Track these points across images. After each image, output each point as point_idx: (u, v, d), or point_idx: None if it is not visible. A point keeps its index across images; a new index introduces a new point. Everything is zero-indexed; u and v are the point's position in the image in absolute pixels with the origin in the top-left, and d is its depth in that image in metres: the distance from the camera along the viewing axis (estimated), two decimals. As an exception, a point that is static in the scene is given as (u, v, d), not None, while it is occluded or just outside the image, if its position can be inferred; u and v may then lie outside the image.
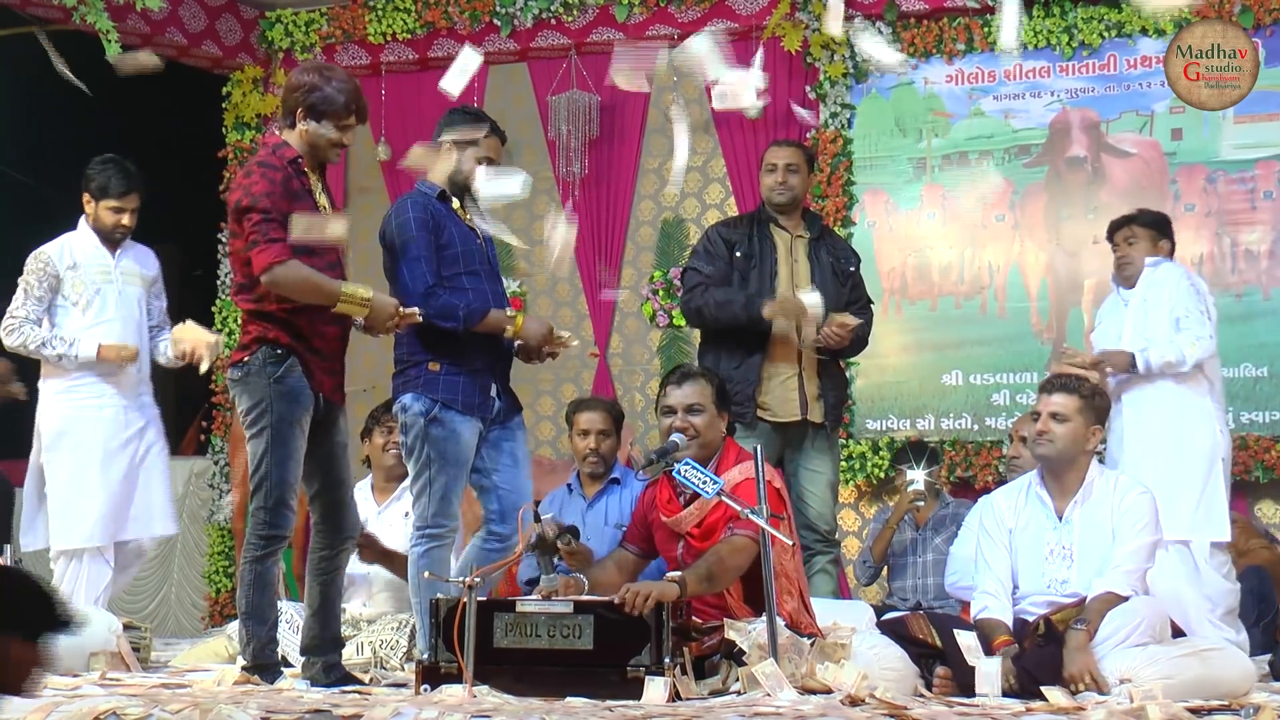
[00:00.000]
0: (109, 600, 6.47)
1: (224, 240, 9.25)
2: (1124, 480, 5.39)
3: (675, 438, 5.20)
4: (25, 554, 6.95)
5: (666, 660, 4.52)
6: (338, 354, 5.32)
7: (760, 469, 4.87)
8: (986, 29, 8.52)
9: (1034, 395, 6.12)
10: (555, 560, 5.04)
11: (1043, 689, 4.66)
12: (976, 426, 8.47)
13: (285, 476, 5.14)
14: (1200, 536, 6.19)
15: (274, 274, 5.01)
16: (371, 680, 5.45)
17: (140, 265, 6.58)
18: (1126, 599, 5.01)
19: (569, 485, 6.65)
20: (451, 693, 4.49)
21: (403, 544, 6.45)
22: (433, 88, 9.15)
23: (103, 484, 6.35)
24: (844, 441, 8.44)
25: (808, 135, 8.71)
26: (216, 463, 9.63)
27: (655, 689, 4.43)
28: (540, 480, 7.47)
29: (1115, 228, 6.62)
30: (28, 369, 6.69)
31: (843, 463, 8.34)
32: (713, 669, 4.81)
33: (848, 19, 8.66)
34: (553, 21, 9.15)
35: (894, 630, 5.12)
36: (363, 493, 6.68)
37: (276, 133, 5.33)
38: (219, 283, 9.75)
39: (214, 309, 9.69)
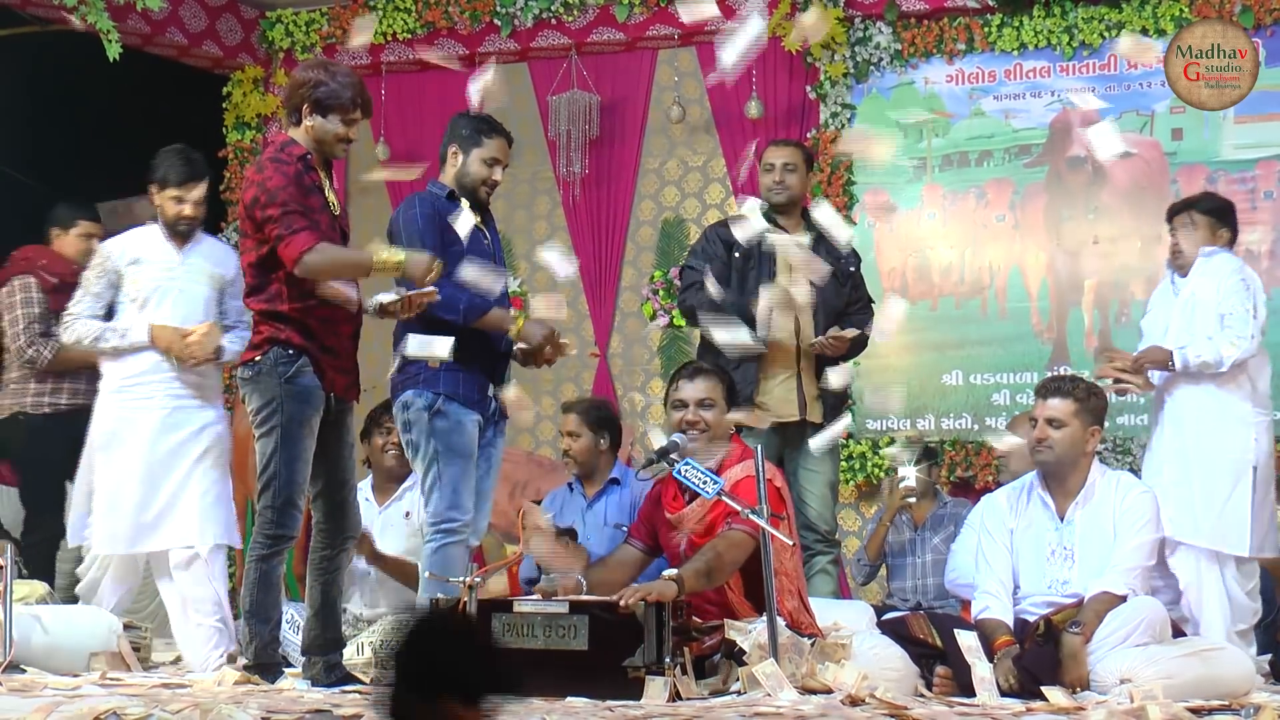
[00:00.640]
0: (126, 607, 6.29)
1: (227, 241, 9.24)
2: (1125, 480, 5.40)
3: (676, 437, 5.21)
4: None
5: (667, 660, 4.52)
6: (350, 352, 5.35)
7: (760, 468, 4.87)
8: (986, 29, 8.52)
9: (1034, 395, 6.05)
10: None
11: (1043, 689, 4.66)
12: (976, 426, 8.46)
13: (294, 477, 5.15)
14: (1218, 547, 5.98)
15: (306, 262, 5.05)
16: (373, 681, 5.45)
17: (212, 263, 6.13)
18: (1123, 598, 5.01)
19: (570, 484, 6.67)
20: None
21: (402, 545, 6.47)
22: (433, 88, 9.22)
23: (142, 490, 5.92)
24: (844, 441, 8.44)
25: (808, 135, 8.71)
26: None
27: (655, 689, 4.43)
28: (541, 480, 7.50)
29: (1174, 212, 6.34)
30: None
31: (843, 463, 8.34)
32: (713, 669, 4.82)
33: (848, 20, 8.67)
34: (553, 21, 9.15)
35: (894, 630, 5.13)
36: (363, 493, 6.68)
37: (282, 131, 5.36)
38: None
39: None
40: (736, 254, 6.49)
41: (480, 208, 5.69)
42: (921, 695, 4.81)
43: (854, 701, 4.37)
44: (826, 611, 5.50)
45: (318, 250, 5.06)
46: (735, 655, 4.78)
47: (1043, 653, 4.87)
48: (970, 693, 4.79)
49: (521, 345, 5.62)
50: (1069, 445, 5.25)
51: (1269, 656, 5.97)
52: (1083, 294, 8.40)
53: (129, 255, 6.02)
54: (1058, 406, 5.26)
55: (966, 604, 5.75)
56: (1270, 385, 6.28)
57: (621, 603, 4.59)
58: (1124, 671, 4.78)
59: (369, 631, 6.32)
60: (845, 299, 6.54)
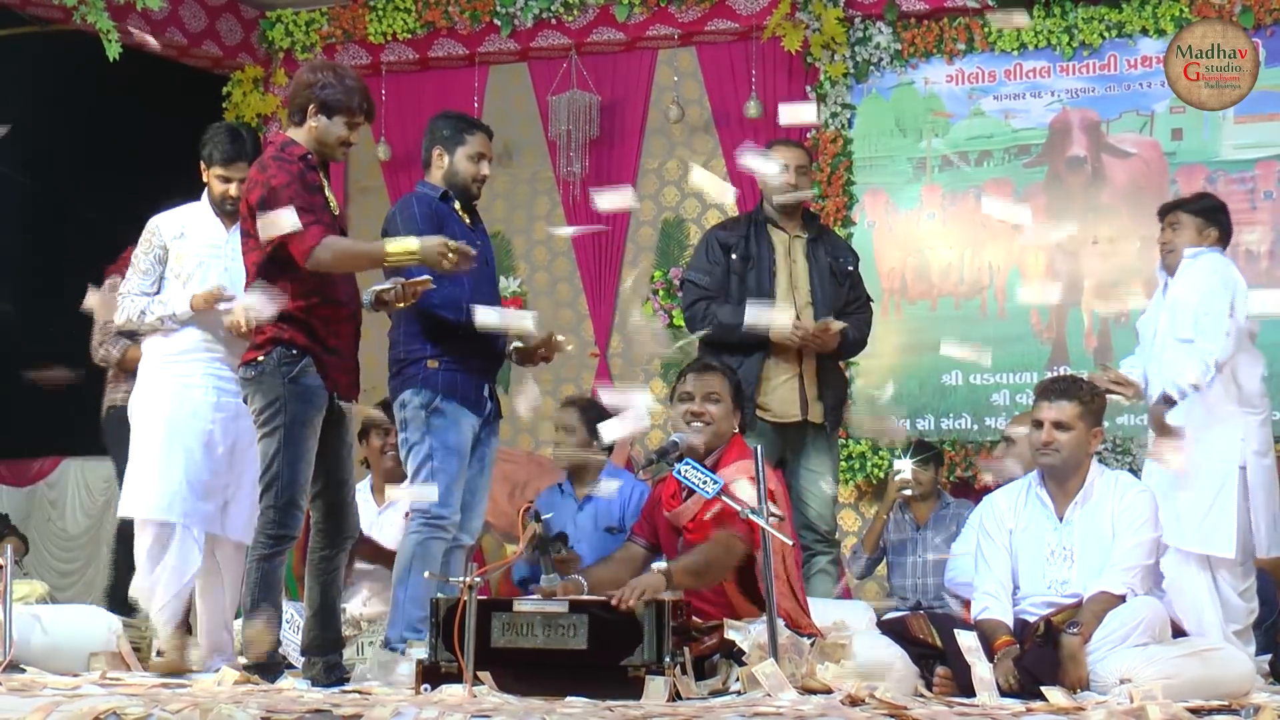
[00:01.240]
0: (224, 601, 5.86)
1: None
2: (1124, 479, 5.39)
3: (675, 437, 5.22)
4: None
5: (666, 660, 4.52)
6: (352, 351, 5.36)
7: (760, 468, 4.87)
8: (986, 29, 8.52)
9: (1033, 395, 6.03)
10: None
11: (1043, 689, 4.66)
12: (976, 426, 8.47)
13: (296, 477, 5.16)
14: (1203, 550, 6.00)
15: (317, 256, 5.06)
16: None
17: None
18: (1122, 597, 5.01)
19: (560, 486, 6.65)
20: (451, 692, 4.49)
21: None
22: (433, 88, 9.22)
23: (182, 458, 5.67)
24: (844, 441, 8.45)
25: (808, 135, 8.71)
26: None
27: (655, 689, 4.43)
28: (541, 480, 7.50)
29: (1164, 212, 6.37)
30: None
31: (842, 463, 8.34)
32: (712, 669, 4.81)
33: (848, 20, 8.67)
34: (553, 21, 9.15)
35: (894, 630, 5.13)
36: (362, 494, 6.68)
37: (282, 131, 5.36)
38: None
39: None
40: (735, 257, 6.48)
41: (470, 209, 5.70)
42: (921, 695, 4.81)
43: (854, 702, 4.36)
44: (827, 611, 5.50)
45: (327, 244, 5.07)
46: (735, 655, 4.78)
47: (1042, 653, 4.87)
48: (970, 693, 4.79)
49: (517, 344, 5.63)
50: (1074, 448, 5.25)
51: (1269, 657, 5.97)
52: (1082, 294, 8.40)
53: (175, 230, 5.85)
54: (1063, 409, 5.25)
55: (967, 604, 5.75)
56: (1263, 384, 6.27)
57: (616, 604, 4.59)
58: (1124, 672, 4.78)
59: (369, 631, 6.32)
60: (843, 298, 6.54)
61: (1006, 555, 5.28)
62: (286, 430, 5.13)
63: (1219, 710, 4.54)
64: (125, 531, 6.30)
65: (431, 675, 4.68)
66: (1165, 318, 6.21)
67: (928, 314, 8.65)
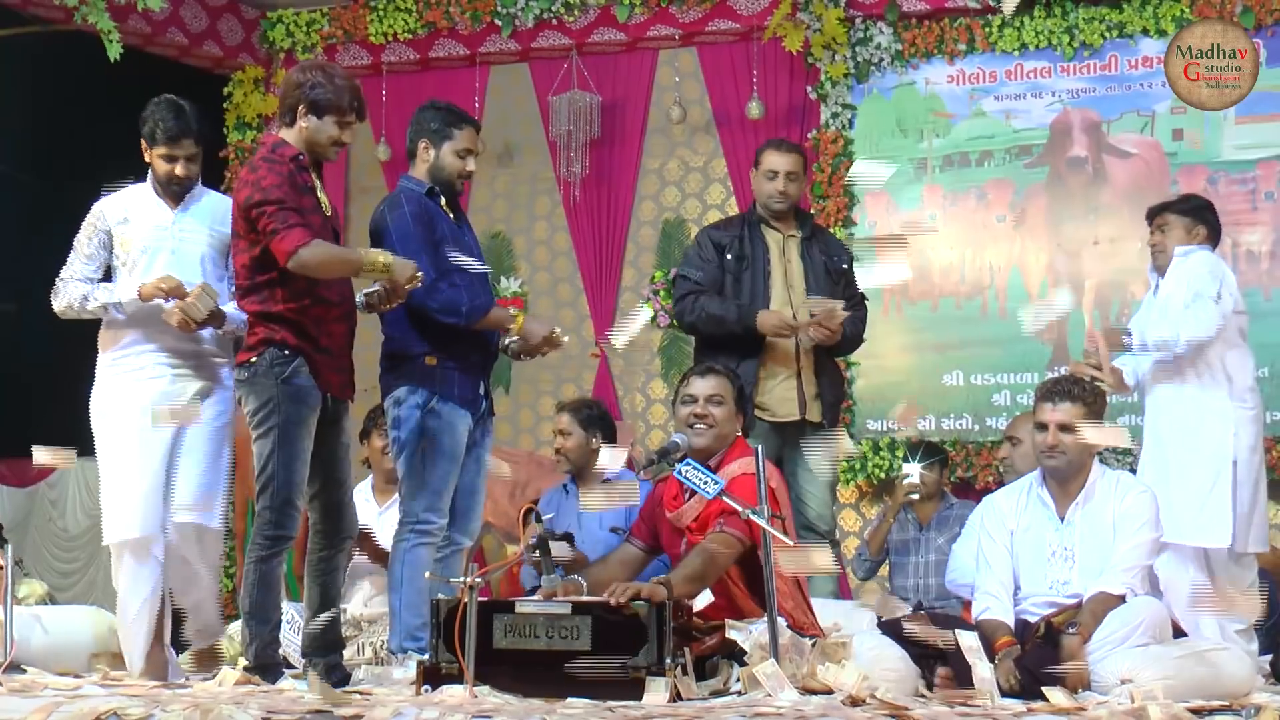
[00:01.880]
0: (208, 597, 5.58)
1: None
2: (1125, 479, 5.39)
3: (676, 437, 5.22)
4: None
5: (667, 661, 4.51)
6: (345, 351, 5.35)
7: (761, 467, 4.86)
8: (987, 29, 8.52)
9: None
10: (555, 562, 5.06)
11: (1044, 689, 4.66)
12: (977, 427, 8.46)
13: (291, 477, 5.15)
14: (1198, 542, 6.01)
15: (300, 257, 5.05)
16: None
17: (213, 220, 5.57)
18: (1122, 597, 5.01)
19: (565, 486, 6.66)
20: (452, 693, 4.49)
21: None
22: (434, 88, 9.21)
23: (142, 466, 5.38)
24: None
25: (809, 135, 8.71)
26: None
27: (656, 690, 4.43)
28: (542, 480, 7.50)
29: (1151, 215, 6.43)
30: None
31: (843, 463, 8.34)
32: (714, 669, 4.81)
33: (849, 20, 8.67)
34: (554, 22, 9.15)
35: (895, 630, 5.12)
36: (363, 494, 6.68)
37: (275, 132, 5.35)
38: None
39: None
40: (729, 256, 6.48)
41: (454, 203, 5.68)
42: (922, 696, 4.81)
43: (855, 702, 4.36)
44: (828, 612, 5.50)
45: (310, 247, 5.06)
46: (736, 655, 4.78)
47: (1043, 653, 4.87)
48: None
49: (513, 341, 5.63)
50: (1080, 450, 5.26)
51: (1269, 657, 5.97)
52: (1083, 294, 8.40)
53: (118, 215, 5.55)
54: (1068, 411, 5.25)
55: (967, 605, 5.75)
56: (1254, 380, 6.31)
57: (612, 600, 4.58)
58: (1124, 672, 4.78)
59: (369, 631, 6.32)
60: (839, 297, 6.52)
61: (1007, 555, 5.28)
62: (280, 430, 5.13)
63: (1220, 710, 4.54)
64: None
65: (432, 676, 4.68)
66: (1156, 314, 6.23)
67: (929, 314, 8.65)
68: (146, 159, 5.56)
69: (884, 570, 7.43)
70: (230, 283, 5.52)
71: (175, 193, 5.54)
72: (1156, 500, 5.32)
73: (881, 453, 8.48)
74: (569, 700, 4.38)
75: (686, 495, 5.16)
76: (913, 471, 7.16)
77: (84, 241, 5.55)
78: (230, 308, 5.44)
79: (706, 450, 5.19)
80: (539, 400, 9.31)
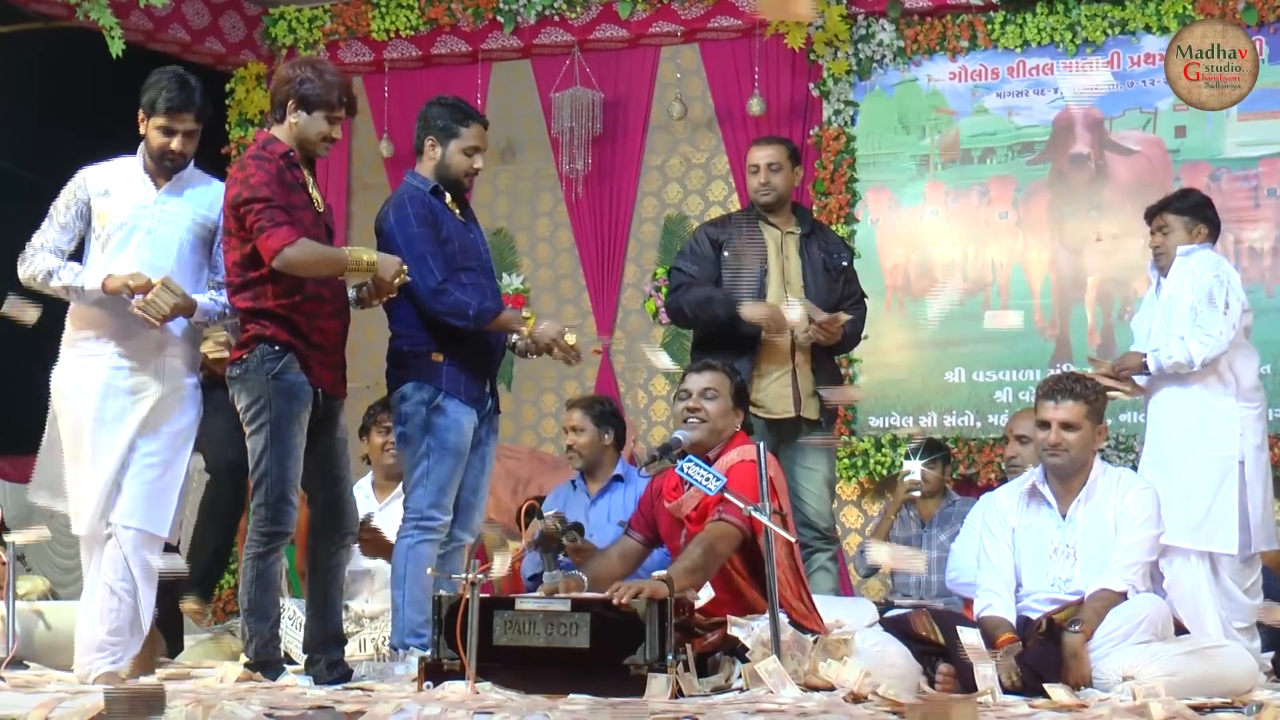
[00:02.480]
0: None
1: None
2: (1126, 476, 5.40)
3: (678, 434, 5.22)
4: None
5: (669, 657, 4.51)
6: (337, 347, 5.34)
7: (763, 462, 4.86)
8: (989, 26, 8.52)
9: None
10: (558, 557, 5.06)
11: (1046, 686, 4.66)
12: (979, 424, 8.46)
13: (285, 473, 5.15)
14: (1205, 547, 6.00)
15: (285, 256, 5.05)
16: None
17: (197, 204, 5.34)
18: (1123, 594, 5.01)
19: (573, 482, 6.67)
20: (454, 689, 4.49)
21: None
22: (436, 85, 9.20)
23: (94, 461, 5.18)
24: (847, 439, 8.45)
25: (810, 133, 8.71)
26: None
27: (657, 686, 4.43)
28: (544, 476, 7.51)
29: (1150, 214, 6.42)
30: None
31: (845, 460, 8.34)
32: (715, 666, 4.81)
33: (851, 17, 8.67)
34: (556, 18, 9.14)
35: (897, 627, 5.13)
36: (363, 490, 6.68)
37: (266, 130, 5.37)
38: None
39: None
40: (726, 253, 6.47)
41: (461, 200, 5.68)
42: (924, 693, 4.81)
43: (856, 699, 4.36)
44: (828, 609, 5.49)
45: (296, 246, 5.06)
46: (738, 652, 4.78)
47: (1045, 650, 4.87)
48: (973, 690, 4.78)
49: (522, 340, 5.63)
50: (1083, 448, 5.26)
51: (1271, 654, 5.96)
52: (1085, 291, 8.40)
53: (100, 185, 5.28)
54: (1071, 409, 5.25)
55: (969, 602, 5.75)
56: (1258, 378, 6.30)
57: (615, 600, 4.58)
58: (1126, 669, 4.78)
59: (371, 628, 6.32)
60: (838, 294, 6.53)
61: (1009, 552, 5.28)
62: (273, 427, 5.13)
63: (1222, 707, 4.54)
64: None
65: (434, 672, 4.69)
66: (1159, 315, 6.23)
67: (931, 311, 8.64)
68: (141, 130, 5.32)
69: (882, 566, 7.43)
70: (211, 272, 5.37)
71: (166, 169, 5.30)
72: (1158, 497, 5.32)
73: (883, 450, 8.47)
74: (570, 696, 4.39)
75: (686, 486, 5.16)
76: (913, 468, 7.16)
77: (61, 210, 5.30)
78: (205, 297, 5.28)
79: (702, 444, 5.19)
80: (541, 397, 9.31)
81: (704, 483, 4.85)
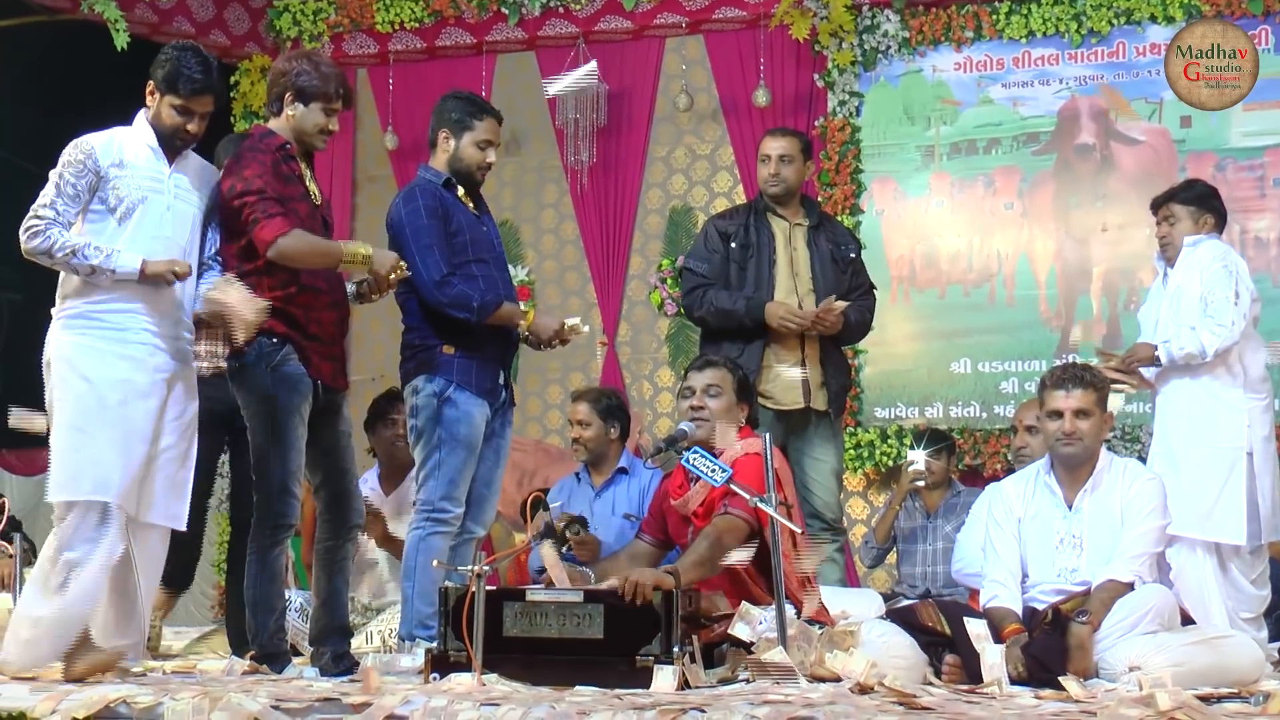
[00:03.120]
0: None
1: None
2: (1133, 467, 5.38)
3: (684, 426, 5.22)
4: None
5: (676, 649, 4.51)
6: (336, 339, 5.33)
7: (769, 454, 4.86)
8: (995, 16, 8.51)
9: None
10: (563, 550, 5.06)
11: (1060, 679, 4.65)
12: (985, 414, 8.46)
13: (288, 465, 5.15)
14: (1213, 538, 6.00)
15: (280, 246, 5.05)
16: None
17: (200, 184, 5.18)
18: (1130, 585, 5.00)
19: (577, 474, 6.67)
20: (461, 681, 4.49)
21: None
22: (440, 76, 9.21)
23: (118, 430, 4.89)
24: (853, 429, 8.45)
25: (815, 123, 8.70)
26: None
27: (664, 678, 4.43)
28: (549, 468, 7.51)
29: (1156, 205, 6.41)
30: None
31: (851, 450, 8.34)
32: (722, 658, 4.81)
33: (856, 8, 8.66)
34: (561, 10, 9.14)
35: (903, 618, 5.12)
36: (370, 483, 6.68)
37: (262, 123, 5.36)
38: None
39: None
40: (734, 245, 6.47)
41: (474, 194, 5.68)
42: (930, 683, 4.80)
43: (863, 690, 4.36)
44: (835, 599, 5.49)
45: (290, 237, 5.06)
46: (744, 643, 4.78)
47: (1051, 641, 4.86)
48: (979, 681, 4.78)
49: (525, 334, 5.63)
50: (1095, 436, 5.25)
51: (1278, 645, 5.96)
52: (1091, 281, 8.40)
53: (113, 156, 4.99)
54: (1082, 398, 5.24)
55: (975, 593, 5.74)
56: (1266, 368, 6.29)
57: (620, 591, 4.58)
58: (1133, 659, 4.77)
59: (378, 620, 6.32)
60: (846, 286, 6.52)
61: (1015, 543, 5.27)
62: (273, 419, 5.13)
63: (1228, 698, 4.53)
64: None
65: (441, 664, 4.69)
66: (1167, 306, 6.23)
67: (936, 301, 8.65)
68: (149, 103, 5.08)
69: (891, 558, 7.43)
70: (204, 249, 5.20)
71: (179, 148, 5.10)
72: (1164, 487, 5.31)
73: (889, 440, 8.47)
74: (577, 688, 4.39)
75: (691, 482, 5.16)
76: (917, 458, 7.15)
77: (70, 180, 4.94)
78: (202, 287, 5.15)
79: (708, 440, 5.19)
80: (546, 389, 9.31)
81: (710, 474, 4.85)
